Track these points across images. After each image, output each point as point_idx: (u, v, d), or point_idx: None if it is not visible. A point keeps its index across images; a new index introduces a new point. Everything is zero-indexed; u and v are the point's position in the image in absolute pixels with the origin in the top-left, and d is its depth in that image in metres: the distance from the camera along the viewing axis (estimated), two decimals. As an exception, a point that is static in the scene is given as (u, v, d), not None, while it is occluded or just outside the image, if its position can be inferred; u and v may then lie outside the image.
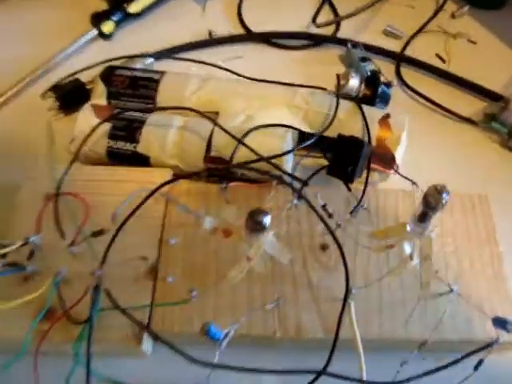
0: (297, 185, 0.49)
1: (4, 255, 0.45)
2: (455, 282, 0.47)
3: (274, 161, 0.50)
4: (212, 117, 0.55)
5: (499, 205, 0.53)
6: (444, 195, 0.40)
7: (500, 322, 0.42)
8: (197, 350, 0.39)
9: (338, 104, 0.55)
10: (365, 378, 0.41)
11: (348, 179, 0.48)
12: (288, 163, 0.53)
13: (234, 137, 0.50)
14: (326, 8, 0.76)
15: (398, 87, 0.66)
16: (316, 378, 0.40)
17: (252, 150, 0.49)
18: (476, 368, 0.43)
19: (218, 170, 0.52)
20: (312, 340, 0.45)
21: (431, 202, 0.40)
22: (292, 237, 0.49)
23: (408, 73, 0.68)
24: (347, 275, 0.44)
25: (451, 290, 0.46)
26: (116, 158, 0.54)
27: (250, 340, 0.45)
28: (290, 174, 0.49)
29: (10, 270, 0.45)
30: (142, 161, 0.54)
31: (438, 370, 0.42)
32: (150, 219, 0.50)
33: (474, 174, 0.59)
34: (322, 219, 0.45)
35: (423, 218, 0.42)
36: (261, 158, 0.48)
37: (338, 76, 0.58)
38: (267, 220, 0.40)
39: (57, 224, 0.48)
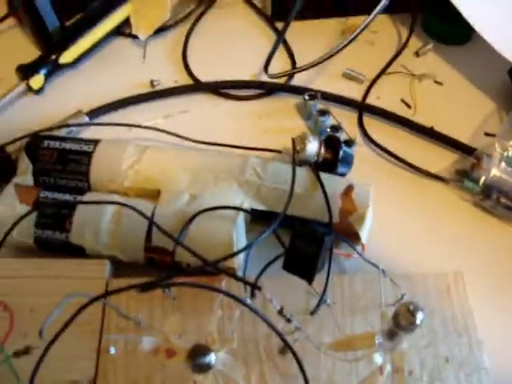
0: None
1: None
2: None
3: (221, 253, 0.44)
4: (152, 194, 0.48)
5: (473, 275, 0.49)
6: (418, 315, 0.34)
7: None
8: None
9: (294, 179, 0.48)
10: None
11: (307, 278, 0.42)
12: (238, 245, 0.47)
13: (170, 236, 0.44)
14: (281, 51, 0.69)
15: (361, 142, 0.60)
16: None
17: (197, 256, 0.43)
18: None
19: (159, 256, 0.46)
20: None
21: (402, 323, 0.35)
22: (247, 342, 0.44)
23: (372, 122, 0.62)
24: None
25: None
26: (47, 247, 0.48)
27: None
28: (238, 279, 0.43)
29: None
30: (76, 250, 0.48)
31: None
32: (87, 325, 0.44)
33: (444, 238, 0.54)
34: (273, 329, 0.38)
35: (393, 335, 0.37)
36: (205, 264, 0.42)
37: (293, 141, 0.52)
38: (210, 358, 0.34)
39: (-28, 341, 0.41)
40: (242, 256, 0.46)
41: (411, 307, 0.35)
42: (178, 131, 0.57)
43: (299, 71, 0.63)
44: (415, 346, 0.44)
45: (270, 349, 0.43)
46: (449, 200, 0.57)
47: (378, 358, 0.39)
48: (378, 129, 0.61)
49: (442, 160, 0.59)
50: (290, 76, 0.65)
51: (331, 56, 0.62)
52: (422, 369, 0.44)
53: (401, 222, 0.54)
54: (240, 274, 0.45)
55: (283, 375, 0.42)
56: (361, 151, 0.58)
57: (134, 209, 0.46)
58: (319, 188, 0.49)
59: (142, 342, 0.40)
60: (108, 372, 0.42)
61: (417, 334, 0.44)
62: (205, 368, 0.34)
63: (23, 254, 0.49)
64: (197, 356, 0.33)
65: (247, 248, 0.43)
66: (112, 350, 0.43)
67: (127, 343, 0.43)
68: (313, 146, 0.52)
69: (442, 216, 0.55)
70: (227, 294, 0.40)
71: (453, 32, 0.70)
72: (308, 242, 0.41)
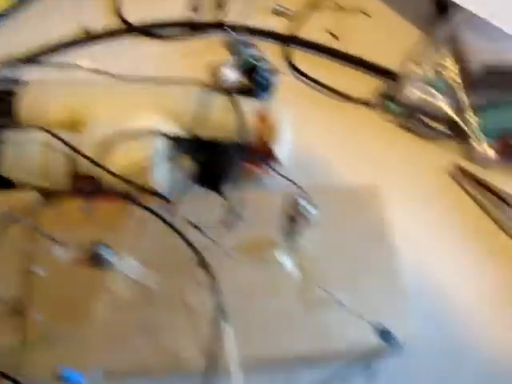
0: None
1: None
2: (342, 290, 0.44)
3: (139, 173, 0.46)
4: (79, 127, 0.50)
5: (392, 189, 0.50)
6: (302, 204, 0.37)
7: (383, 335, 0.40)
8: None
9: (209, 101, 0.50)
10: None
11: (215, 188, 0.44)
12: (158, 169, 0.48)
13: (89, 159, 0.46)
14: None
15: (287, 72, 0.62)
16: None
17: (108, 172, 0.45)
18: (366, 374, 0.40)
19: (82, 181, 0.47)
20: (191, 368, 0.41)
21: (289, 213, 0.37)
22: (165, 254, 0.45)
23: (299, 55, 0.64)
24: (216, 294, 0.41)
25: (336, 300, 0.43)
26: (-23, 181, 0.49)
27: (127, 375, 0.42)
28: (146, 190, 0.45)
29: None
30: (6, 183, 0.49)
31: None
32: (13, 245, 0.45)
33: (368, 157, 0.56)
34: (183, 238, 0.41)
35: (289, 230, 0.39)
36: (113, 175, 0.44)
37: (212, 68, 0.54)
38: (107, 254, 0.36)
39: None
40: (162, 178, 0.47)
41: (297, 197, 0.36)
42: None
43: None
44: (329, 252, 0.46)
45: (188, 261, 0.45)
46: (373, 123, 0.59)
47: (284, 259, 0.42)
48: (305, 60, 0.63)
49: (367, 86, 0.61)
50: (221, 14, 0.66)
51: None
52: (335, 273, 0.45)
53: (325, 143, 0.56)
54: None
55: (203, 285, 0.44)
56: (287, 81, 0.60)
57: (59, 138, 0.48)
58: (235, 111, 0.50)
59: (56, 251, 0.42)
60: (34, 290, 0.43)
61: (330, 242, 0.47)
62: (100, 262, 0.36)
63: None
64: (92, 249, 0.35)
65: (157, 163, 0.45)
66: (37, 270, 0.45)
67: (52, 262, 0.45)
68: (230, 73, 0.53)
69: (366, 138, 0.58)
70: (142, 205, 0.43)
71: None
72: (214, 155, 0.43)
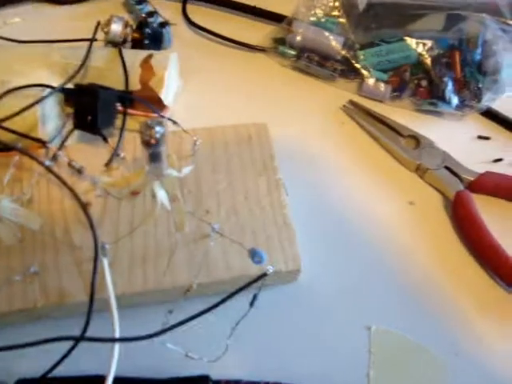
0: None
1: None
2: (225, 218, 0.45)
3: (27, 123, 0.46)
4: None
5: (287, 128, 0.53)
6: (157, 129, 0.37)
7: (252, 255, 0.41)
8: None
9: (89, 51, 0.51)
10: (117, 336, 0.38)
11: (93, 130, 0.45)
12: (47, 122, 0.49)
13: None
14: None
15: (184, 26, 0.63)
16: (75, 345, 0.38)
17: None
18: (251, 304, 0.41)
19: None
20: (76, 304, 0.42)
21: (145, 138, 0.38)
22: (54, 200, 0.46)
23: (196, 10, 0.65)
24: (93, 229, 0.41)
25: (213, 230, 0.44)
26: None
27: (15, 316, 0.42)
28: (33, 138, 0.45)
29: None
30: None
31: (199, 314, 0.39)
32: None
33: (265, 101, 0.57)
34: (62, 182, 0.42)
35: (151, 157, 0.40)
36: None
37: (98, 23, 0.54)
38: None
39: None
40: (50, 129, 0.48)
41: (149, 122, 0.37)
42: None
43: None
44: (213, 188, 0.47)
45: (74, 205, 0.46)
46: (268, 68, 0.60)
47: (155, 189, 0.42)
48: (202, 14, 0.64)
49: (261, 33, 0.62)
50: None
51: None
52: (219, 207, 0.46)
53: (220, 89, 0.57)
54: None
55: (86, 227, 0.44)
56: (183, 34, 0.61)
57: None
58: (120, 61, 0.51)
59: None
60: None
61: (215, 178, 0.48)
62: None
63: None
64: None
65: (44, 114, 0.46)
66: None
67: None
68: (117, 26, 0.54)
69: (261, 82, 0.59)
70: (23, 151, 0.43)
71: None
72: (86, 95, 0.44)
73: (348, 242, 0.49)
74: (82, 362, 0.39)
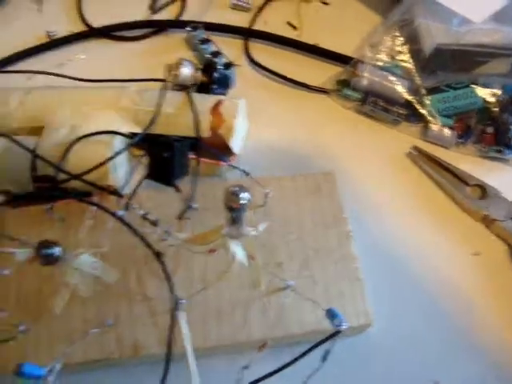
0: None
1: None
2: (296, 276, 0.46)
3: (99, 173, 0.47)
4: (38, 130, 0.51)
5: (352, 173, 0.54)
6: (241, 196, 0.38)
7: (331, 316, 0.41)
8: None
9: (162, 98, 0.51)
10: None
11: (168, 183, 0.45)
12: (118, 170, 0.50)
13: (47, 161, 0.47)
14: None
15: (247, 66, 0.63)
16: None
17: (65, 173, 0.46)
18: (324, 359, 0.41)
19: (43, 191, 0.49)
20: (150, 356, 0.43)
21: (230, 205, 0.38)
22: (124, 249, 0.47)
23: (258, 48, 0.65)
24: (170, 283, 0.42)
25: (287, 286, 0.44)
26: None
27: (91, 365, 0.43)
28: (104, 189, 0.46)
29: None
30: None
31: (277, 371, 0.40)
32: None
33: (328, 144, 0.57)
34: (137, 234, 0.42)
35: (232, 221, 0.40)
36: (72, 177, 0.45)
37: (167, 66, 0.55)
38: (55, 251, 0.37)
39: None
40: (121, 175, 0.49)
41: (234, 189, 0.38)
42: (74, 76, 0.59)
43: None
44: (285, 240, 0.48)
45: (147, 255, 0.46)
46: (331, 110, 0.60)
47: (230, 249, 0.43)
48: (264, 52, 0.64)
49: (324, 74, 0.62)
50: (181, 10, 0.68)
51: None
52: (291, 260, 0.47)
53: (283, 132, 0.58)
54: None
55: (160, 278, 0.45)
56: (246, 74, 0.62)
57: (17, 142, 0.49)
58: (190, 108, 0.52)
59: (16, 255, 0.44)
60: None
61: (286, 230, 0.48)
62: (52, 260, 0.37)
63: None
64: (42, 249, 0.37)
65: (110, 159, 0.46)
66: (4, 271, 0.46)
67: (14, 263, 0.46)
68: (186, 70, 0.54)
69: (324, 125, 0.59)
70: (98, 205, 0.44)
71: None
72: (160, 149, 0.45)
73: (413, 293, 0.49)
74: None
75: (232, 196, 0.38)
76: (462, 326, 0.47)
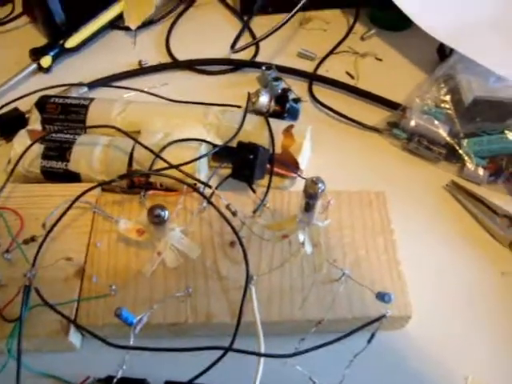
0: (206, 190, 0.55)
1: None
2: (349, 268, 0.52)
3: (186, 171, 0.56)
4: (134, 135, 0.61)
5: (398, 199, 0.60)
6: (319, 185, 0.46)
7: (381, 296, 0.48)
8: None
9: (244, 117, 0.61)
10: (263, 351, 0.46)
11: (248, 180, 0.55)
12: (201, 173, 0.59)
13: (151, 150, 0.57)
14: (247, 36, 0.84)
15: (310, 103, 0.73)
16: (224, 354, 0.45)
17: (165, 161, 0.55)
18: (369, 341, 0.47)
19: (137, 179, 0.58)
20: (220, 324, 0.50)
21: (309, 191, 0.47)
22: (204, 237, 0.55)
23: (320, 90, 0.75)
24: (247, 262, 0.49)
25: (343, 274, 0.51)
26: (50, 176, 0.60)
27: (166, 329, 0.50)
28: (198, 180, 0.55)
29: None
30: (73, 178, 0.60)
31: (330, 342, 0.46)
32: (79, 228, 0.55)
33: (377, 174, 0.65)
34: (223, 216, 0.51)
35: (307, 207, 0.49)
36: (171, 166, 0.54)
37: (249, 94, 0.65)
38: (165, 213, 0.46)
39: (-8, 234, 0.53)
40: (203, 175, 0.59)
41: (315, 179, 0.47)
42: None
43: (256, 42, 0.79)
44: (339, 241, 0.56)
45: (222, 242, 0.55)
46: (381, 146, 0.69)
47: (300, 237, 0.51)
48: (325, 94, 0.75)
49: (376, 116, 0.72)
50: (255, 53, 0.80)
51: (276, 30, 0.77)
52: (344, 258, 0.55)
53: (340, 164, 0.66)
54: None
55: (232, 262, 0.53)
56: (309, 111, 0.72)
57: (131, 137, 0.59)
58: (266, 126, 0.61)
59: (119, 223, 0.52)
60: (94, 258, 0.53)
61: (342, 233, 0.56)
62: (159, 221, 0.46)
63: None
64: (154, 208, 0.45)
65: (201, 157, 0.56)
66: (98, 244, 0.55)
67: (110, 238, 0.55)
68: (264, 99, 0.65)
69: (375, 158, 0.68)
70: (190, 185, 0.53)
71: (392, 20, 0.84)
72: (247, 152, 0.54)
73: (449, 300, 0.56)
74: (224, 374, 0.45)
75: (312, 183, 0.47)
76: (492, 328, 0.54)
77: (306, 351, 0.45)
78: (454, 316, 0.54)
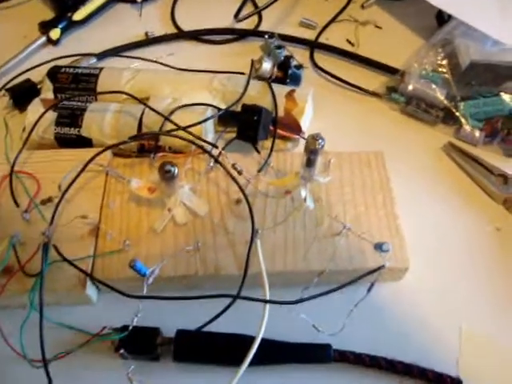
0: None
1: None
2: (349, 223, 0.55)
3: (194, 132, 0.59)
4: (143, 100, 0.64)
5: (396, 160, 0.62)
6: (319, 141, 0.49)
7: (379, 246, 0.51)
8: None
9: (248, 83, 0.64)
10: (268, 296, 0.48)
11: (253, 140, 0.57)
12: (208, 135, 0.62)
13: (160, 113, 0.59)
14: (250, 6, 0.86)
15: (311, 70, 0.76)
16: (232, 302, 0.49)
17: (173, 123, 0.58)
18: (369, 290, 0.50)
19: (147, 142, 0.61)
20: (228, 276, 0.53)
21: (310, 147, 0.50)
22: (212, 195, 0.58)
23: (321, 57, 0.78)
24: (252, 217, 0.52)
25: (344, 227, 0.54)
26: (64, 142, 0.63)
27: (177, 282, 0.53)
28: (206, 141, 0.58)
29: (-28, 234, 0.53)
30: (85, 143, 0.63)
31: (333, 290, 0.49)
32: (93, 189, 0.58)
33: (376, 137, 0.68)
34: (231, 176, 0.54)
35: (308, 163, 0.51)
36: (180, 127, 0.57)
37: (252, 61, 0.68)
38: (174, 169, 0.49)
39: (12, 196, 0.56)
40: (210, 137, 0.62)
41: (315, 135, 0.49)
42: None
43: (258, 11, 0.82)
44: (340, 198, 0.58)
45: (228, 200, 0.57)
46: (381, 110, 0.72)
47: (302, 192, 0.54)
48: (326, 61, 0.77)
49: (376, 81, 0.74)
50: (258, 22, 0.83)
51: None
52: (345, 214, 0.57)
53: (340, 127, 0.69)
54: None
55: (238, 218, 0.56)
56: (310, 77, 0.74)
57: (142, 102, 0.62)
58: (269, 91, 0.64)
59: (131, 182, 0.55)
60: (108, 218, 0.57)
61: (343, 191, 0.59)
62: (169, 176, 0.49)
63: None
64: (164, 165, 0.48)
65: (208, 119, 0.58)
66: (111, 204, 0.58)
67: (123, 199, 0.58)
68: (267, 65, 0.68)
69: (374, 121, 0.70)
70: (198, 145, 0.56)
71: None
72: (251, 113, 0.57)
73: (446, 254, 0.58)
74: (232, 323, 0.49)
75: (313, 139, 0.49)
76: (485, 280, 0.57)
77: (309, 298, 0.48)
78: (450, 269, 0.57)
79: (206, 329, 0.49)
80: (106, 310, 0.53)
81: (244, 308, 0.47)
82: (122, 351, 0.47)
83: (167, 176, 0.49)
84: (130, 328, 0.46)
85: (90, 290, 0.52)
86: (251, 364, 0.45)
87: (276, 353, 0.50)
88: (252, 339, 0.46)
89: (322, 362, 0.50)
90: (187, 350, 0.50)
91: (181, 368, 0.50)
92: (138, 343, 0.49)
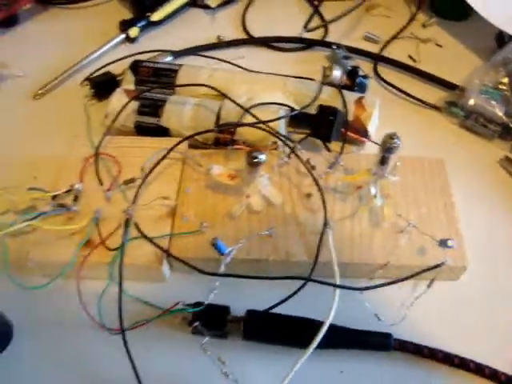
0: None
1: (54, 197, 0.58)
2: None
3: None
4: (220, 98, 0.68)
5: (455, 170, 0.64)
6: (396, 140, 0.53)
7: (444, 242, 0.54)
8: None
9: (321, 88, 0.68)
10: (338, 283, 0.51)
11: (326, 138, 0.61)
12: (281, 132, 0.66)
13: (240, 106, 0.63)
14: (317, 18, 0.91)
15: (374, 81, 0.80)
16: (304, 284, 0.52)
17: (254, 116, 0.62)
18: (429, 286, 0.54)
19: (222, 136, 0.64)
20: (299, 263, 0.55)
21: (386, 145, 0.53)
22: (284, 189, 0.61)
23: (384, 70, 0.81)
24: (325, 207, 0.56)
25: (409, 224, 0.57)
26: (142, 130, 0.67)
27: (249, 265, 0.56)
28: (283, 135, 0.62)
29: (59, 209, 0.58)
30: (163, 132, 0.67)
31: (398, 281, 0.52)
32: (171, 175, 0.62)
33: (435, 148, 0.71)
34: (307, 169, 0.57)
35: (382, 160, 0.55)
36: (260, 121, 0.61)
37: (324, 68, 0.72)
38: (262, 156, 0.53)
39: (96, 175, 0.61)
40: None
41: (392, 134, 0.53)
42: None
43: (329, 23, 0.86)
44: (405, 200, 0.61)
45: (300, 194, 0.61)
46: (441, 123, 0.75)
47: (372, 188, 0.57)
48: (388, 74, 0.81)
49: (436, 96, 0.78)
50: (324, 34, 0.87)
51: (346, 14, 0.84)
52: (408, 214, 0.60)
53: (402, 133, 0.68)
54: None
55: (309, 211, 0.59)
56: (374, 88, 0.78)
57: (216, 90, 0.66)
58: (340, 97, 0.68)
59: (213, 169, 0.59)
60: (184, 202, 0.60)
61: (406, 192, 0.61)
62: (256, 163, 0.53)
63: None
64: (253, 151, 0.52)
65: (285, 116, 0.62)
66: (187, 190, 0.61)
67: (199, 185, 0.62)
68: (337, 73, 0.72)
69: (434, 133, 0.74)
70: (279, 137, 0.60)
71: (453, 9, 0.90)
72: (327, 113, 0.61)
73: (502, 260, 0.61)
74: (299, 306, 0.51)
75: (389, 138, 0.53)
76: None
77: (376, 286, 0.52)
78: (505, 274, 0.59)
79: (273, 311, 0.52)
80: (177, 288, 0.56)
81: (311, 294, 0.51)
82: (196, 324, 0.50)
83: (254, 162, 0.53)
84: (206, 303, 0.50)
85: (165, 268, 0.56)
86: (315, 347, 0.48)
87: (340, 338, 0.52)
88: (318, 323, 0.49)
89: (383, 349, 0.52)
90: (256, 329, 0.52)
91: (247, 346, 0.52)
92: (210, 319, 0.51)
